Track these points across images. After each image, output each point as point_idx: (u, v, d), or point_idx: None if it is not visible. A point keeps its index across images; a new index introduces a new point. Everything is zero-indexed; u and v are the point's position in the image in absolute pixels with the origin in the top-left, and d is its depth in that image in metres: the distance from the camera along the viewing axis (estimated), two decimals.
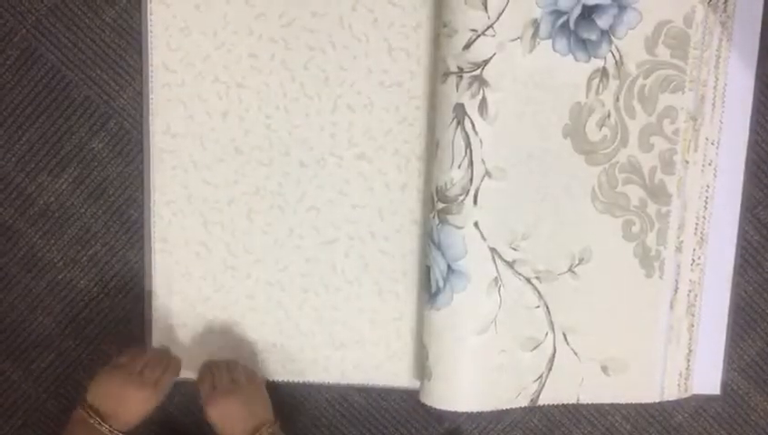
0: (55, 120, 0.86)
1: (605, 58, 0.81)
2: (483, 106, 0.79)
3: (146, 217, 0.87)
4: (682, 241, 0.86)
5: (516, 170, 0.81)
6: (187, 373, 0.88)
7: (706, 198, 0.86)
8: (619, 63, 0.81)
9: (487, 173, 0.80)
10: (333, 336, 0.90)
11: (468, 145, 0.79)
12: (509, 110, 0.80)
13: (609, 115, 0.82)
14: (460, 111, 0.79)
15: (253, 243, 0.88)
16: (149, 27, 0.84)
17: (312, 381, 0.90)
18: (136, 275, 0.89)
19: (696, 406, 0.92)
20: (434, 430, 0.93)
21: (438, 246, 0.81)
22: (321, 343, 0.90)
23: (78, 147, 0.87)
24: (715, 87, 0.84)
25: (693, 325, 0.88)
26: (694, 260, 0.87)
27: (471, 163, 0.79)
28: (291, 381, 0.90)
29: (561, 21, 0.79)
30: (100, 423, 0.75)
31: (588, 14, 0.80)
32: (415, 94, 0.86)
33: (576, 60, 0.81)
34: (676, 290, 0.87)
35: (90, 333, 0.91)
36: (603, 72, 0.81)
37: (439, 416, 0.91)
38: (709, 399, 0.92)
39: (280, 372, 0.90)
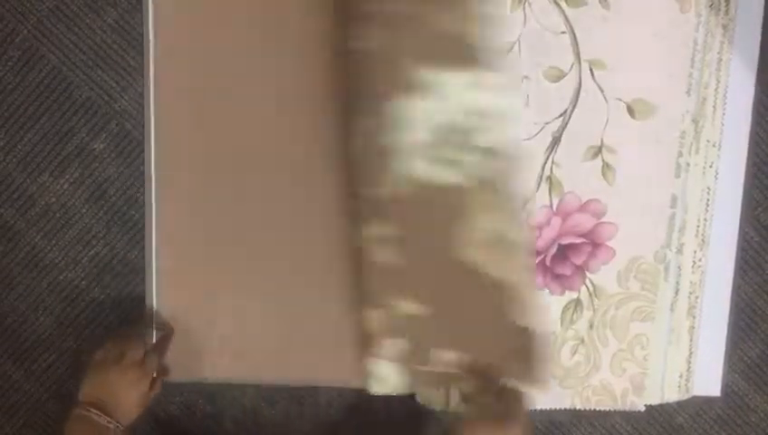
0: (56, 121, 0.87)
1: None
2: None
3: (146, 218, 0.87)
4: (683, 243, 0.86)
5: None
6: (188, 375, 0.89)
7: (707, 200, 0.86)
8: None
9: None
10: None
11: None
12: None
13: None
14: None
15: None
16: (150, 28, 0.84)
17: (312, 382, 0.91)
18: (137, 275, 0.89)
19: (697, 407, 0.92)
20: (433, 430, 0.93)
21: None
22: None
23: (79, 147, 0.87)
24: (716, 89, 0.84)
25: (693, 327, 0.88)
26: (695, 262, 0.87)
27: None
28: (291, 381, 0.90)
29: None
30: (99, 415, 0.76)
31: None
32: None
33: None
34: (676, 292, 0.87)
35: (91, 334, 0.91)
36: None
37: (438, 416, 0.91)
38: (710, 400, 0.92)
39: (280, 373, 0.90)
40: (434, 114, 0.77)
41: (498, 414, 0.77)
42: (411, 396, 0.89)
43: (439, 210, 0.79)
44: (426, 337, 0.84)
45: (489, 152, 0.77)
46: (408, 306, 0.83)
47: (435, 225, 0.80)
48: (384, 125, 0.78)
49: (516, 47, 0.78)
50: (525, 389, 0.81)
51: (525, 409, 0.81)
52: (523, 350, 0.82)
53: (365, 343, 0.86)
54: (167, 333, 0.87)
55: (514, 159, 0.78)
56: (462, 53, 0.76)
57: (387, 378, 0.86)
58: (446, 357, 0.84)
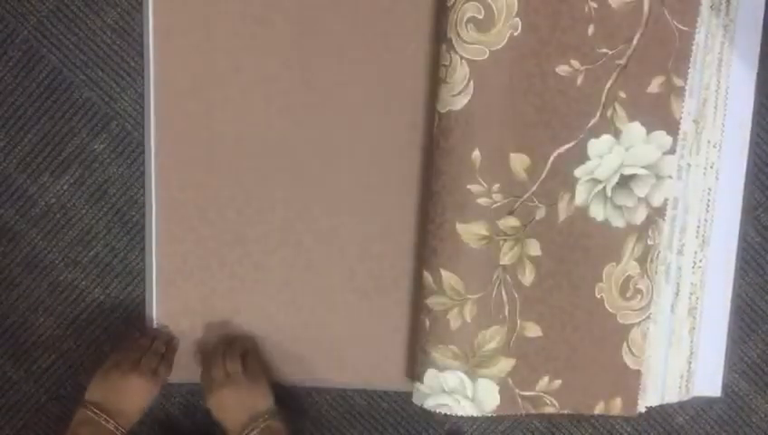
0: (57, 122, 0.86)
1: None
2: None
3: (147, 219, 0.87)
4: (683, 244, 0.86)
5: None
6: (188, 375, 0.89)
7: (708, 200, 0.86)
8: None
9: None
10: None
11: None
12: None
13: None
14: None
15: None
16: (150, 29, 0.84)
17: (313, 383, 0.91)
18: (137, 276, 0.89)
19: (698, 408, 0.92)
20: (434, 431, 0.93)
21: None
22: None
23: (79, 148, 0.87)
24: (717, 90, 0.84)
25: (694, 328, 0.88)
26: (695, 263, 0.87)
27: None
28: (291, 381, 0.90)
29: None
30: (107, 420, 0.76)
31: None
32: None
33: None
34: (677, 293, 0.87)
35: (91, 334, 0.91)
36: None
37: (440, 418, 0.91)
38: (710, 401, 0.92)
39: (280, 373, 0.90)
40: (619, 158, 0.82)
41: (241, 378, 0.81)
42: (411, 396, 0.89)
43: (591, 245, 0.83)
44: (538, 362, 0.85)
45: (643, 202, 0.82)
46: (533, 328, 0.84)
47: (580, 256, 0.84)
48: (576, 153, 0.81)
49: None
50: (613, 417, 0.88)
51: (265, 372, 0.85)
52: (620, 386, 0.86)
53: (461, 358, 0.84)
54: (173, 344, 0.88)
55: (664, 213, 0.83)
56: (655, 113, 0.81)
57: (482, 398, 0.84)
58: (549, 386, 0.85)
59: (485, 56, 0.77)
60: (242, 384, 0.81)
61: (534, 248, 0.83)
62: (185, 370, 0.88)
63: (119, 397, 0.78)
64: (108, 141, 0.87)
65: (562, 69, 0.79)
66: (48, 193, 0.88)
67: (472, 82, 0.77)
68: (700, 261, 0.87)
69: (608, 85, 0.80)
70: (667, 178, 0.82)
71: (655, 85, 0.80)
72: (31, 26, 0.85)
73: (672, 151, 0.82)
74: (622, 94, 0.80)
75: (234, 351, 0.85)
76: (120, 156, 0.87)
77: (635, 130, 0.81)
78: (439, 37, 0.80)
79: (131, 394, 0.79)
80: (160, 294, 0.89)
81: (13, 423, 0.93)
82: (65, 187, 0.88)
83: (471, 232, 0.81)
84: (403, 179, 0.87)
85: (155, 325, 0.89)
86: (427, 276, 0.82)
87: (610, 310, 0.84)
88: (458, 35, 0.77)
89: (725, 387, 0.91)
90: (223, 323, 0.89)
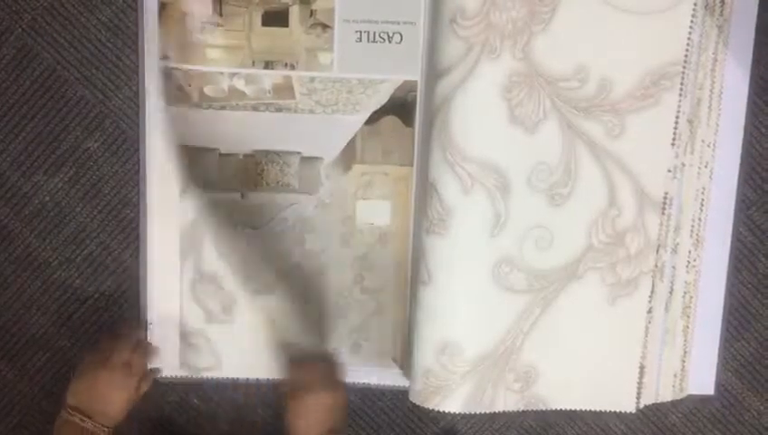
0: (51, 120, 0.86)
1: None
2: None
3: (141, 217, 0.87)
4: (678, 243, 0.86)
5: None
6: (184, 372, 0.89)
7: (702, 200, 0.86)
8: None
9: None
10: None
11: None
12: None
13: None
14: None
15: None
16: (145, 27, 0.84)
17: None
18: (131, 274, 0.89)
19: (691, 406, 0.93)
20: (429, 430, 0.93)
21: None
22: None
23: (73, 146, 0.87)
24: (711, 90, 0.84)
25: (688, 326, 0.89)
26: (689, 262, 0.87)
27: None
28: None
29: None
30: (82, 419, 0.76)
31: None
32: None
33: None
34: (671, 291, 0.87)
35: (85, 333, 0.90)
36: None
37: (434, 416, 0.91)
38: (703, 399, 0.92)
39: (278, 371, 0.90)
40: None
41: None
42: (407, 396, 0.89)
43: None
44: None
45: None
46: None
47: None
48: None
49: None
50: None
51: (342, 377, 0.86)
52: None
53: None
54: (145, 330, 0.88)
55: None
56: None
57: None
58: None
59: None
60: (331, 395, 0.81)
61: None
62: (181, 368, 0.88)
63: (93, 395, 0.78)
64: (102, 140, 0.87)
65: None
66: (42, 191, 0.88)
67: None
68: (694, 260, 0.87)
69: None
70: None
71: None
72: (25, 24, 0.84)
73: None
74: None
75: (324, 360, 0.86)
76: (115, 154, 0.87)
77: None
78: None
79: (105, 390, 0.79)
80: (154, 293, 0.88)
81: (7, 421, 0.93)
82: (59, 185, 0.87)
83: None
84: None
85: (149, 324, 0.88)
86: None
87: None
88: None
89: (719, 385, 0.92)
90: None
